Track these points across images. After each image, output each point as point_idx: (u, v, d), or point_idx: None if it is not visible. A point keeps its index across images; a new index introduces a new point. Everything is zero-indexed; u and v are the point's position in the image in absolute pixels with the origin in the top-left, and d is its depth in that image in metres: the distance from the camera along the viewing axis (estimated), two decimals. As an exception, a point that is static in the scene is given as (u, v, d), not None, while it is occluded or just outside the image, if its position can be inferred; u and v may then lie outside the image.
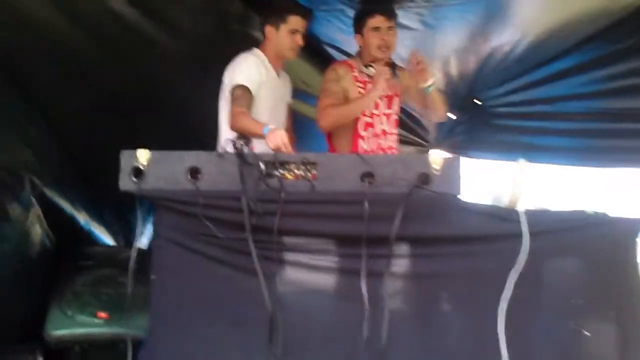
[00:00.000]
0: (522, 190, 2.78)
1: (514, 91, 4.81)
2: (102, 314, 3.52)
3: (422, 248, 2.74)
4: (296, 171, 2.71)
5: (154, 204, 2.77)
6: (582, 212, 2.83)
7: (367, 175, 2.67)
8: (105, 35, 3.56)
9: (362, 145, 3.54)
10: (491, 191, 3.19)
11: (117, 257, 3.82)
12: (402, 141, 5.18)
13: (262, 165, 2.67)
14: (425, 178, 2.67)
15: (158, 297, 2.75)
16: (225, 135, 3.27)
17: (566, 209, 3.01)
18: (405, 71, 3.69)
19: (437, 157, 2.70)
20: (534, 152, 4.72)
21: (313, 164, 2.70)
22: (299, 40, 3.47)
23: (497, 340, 2.61)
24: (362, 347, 2.61)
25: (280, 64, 3.58)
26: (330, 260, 2.74)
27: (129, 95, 3.76)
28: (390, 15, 3.55)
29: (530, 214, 2.70)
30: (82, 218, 4.13)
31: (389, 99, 3.63)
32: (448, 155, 3.95)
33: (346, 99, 3.52)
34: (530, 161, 2.86)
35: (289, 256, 2.72)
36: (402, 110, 5.10)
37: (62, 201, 3.91)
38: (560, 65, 4.47)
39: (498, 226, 2.75)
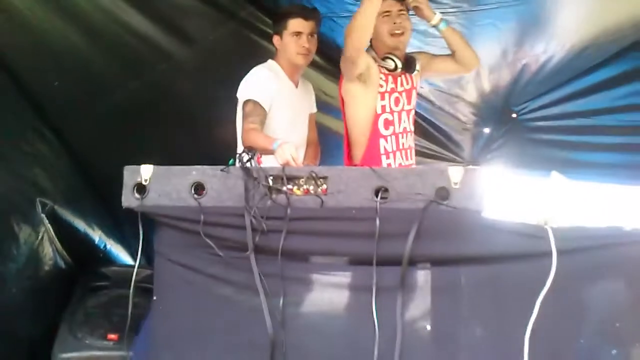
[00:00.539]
0: (554, 206, 2.60)
1: (552, 104, 4.67)
2: (112, 336, 3.43)
3: (441, 268, 2.57)
4: (305, 186, 2.57)
5: (156, 221, 2.65)
6: (619, 229, 2.61)
7: (381, 190, 2.52)
8: (118, 47, 3.52)
9: (384, 145, 3.34)
10: (520, 207, 2.99)
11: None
12: (435, 157, 5.06)
13: (269, 180, 2.56)
14: (443, 193, 2.51)
15: (157, 319, 2.64)
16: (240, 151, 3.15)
17: (600, 225, 2.80)
18: (421, 54, 3.51)
19: (456, 170, 2.54)
20: (572, 167, 4.52)
21: (323, 178, 2.57)
22: (305, 42, 3.33)
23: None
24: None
25: (297, 73, 3.46)
26: (339, 281, 2.60)
27: (143, 108, 3.71)
28: None
29: (560, 230, 2.51)
30: (97, 237, 4.05)
31: (408, 93, 3.43)
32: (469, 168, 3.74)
33: (365, 80, 3.28)
34: (566, 176, 2.70)
35: (295, 276, 2.58)
36: (432, 125, 4.98)
37: (77, 220, 3.85)
38: (600, 76, 4.35)
39: (525, 245, 2.57)
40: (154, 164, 2.59)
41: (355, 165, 3.31)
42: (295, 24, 3.33)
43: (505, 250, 2.57)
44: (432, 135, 5.04)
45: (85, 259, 3.91)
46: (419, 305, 2.55)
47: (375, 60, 3.33)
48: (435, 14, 3.35)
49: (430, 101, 4.77)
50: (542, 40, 4.11)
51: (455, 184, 2.51)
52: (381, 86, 3.34)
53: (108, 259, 4.22)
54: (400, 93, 3.37)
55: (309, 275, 2.60)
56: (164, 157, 2.69)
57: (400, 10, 3.33)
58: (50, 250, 3.60)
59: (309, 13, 3.38)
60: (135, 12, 3.44)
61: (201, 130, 3.86)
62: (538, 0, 3.79)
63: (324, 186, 2.56)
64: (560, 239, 2.49)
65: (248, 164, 2.59)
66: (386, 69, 3.33)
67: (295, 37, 3.33)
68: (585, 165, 4.61)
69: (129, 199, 2.61)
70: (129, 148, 3.54)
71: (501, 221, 2.64)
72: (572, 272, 2.50)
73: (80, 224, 3.91)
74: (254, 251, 2.51)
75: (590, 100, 4.42)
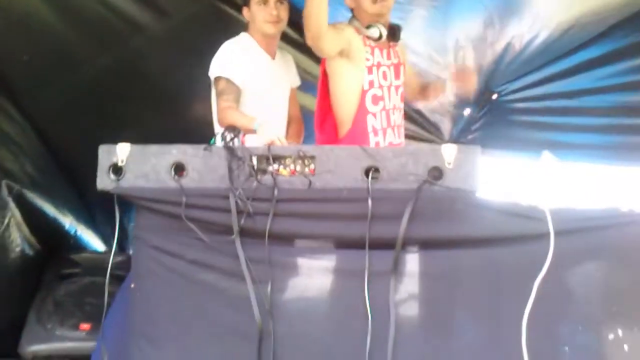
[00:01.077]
0: (547, 187, 2.58)
1: (534, 85, 4.60)
2: (85, 326, 3.36)
3: (434, 251, 2.51)
4: (292, 166, 2.49)
5: (134, 204, 2.55)
6: (616, 210, 2.58)
7: (372, 170, 2.44)
8: (91, 20, 3.38)
9: (373, 122, 3.22)
10: (512, 188, 2.93)
11: (106, 263, 3.62)
12: (415, 138, 4.97)
13: (253, 160, 2.47)
14: (437, 172, 2.44)
15: (135, 306, 2.55)
16: (217, 131, 3.06)
17: (597, 206, 2.74)
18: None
19: (450, 149, 2.47)
20: (554, 149, 4.44)
21: (311, 157, 2.49)
22: (272, 9, 3.19)
23: (520, 354, 2.38)
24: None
25: (272, 44, 3.32)
26: (329, 265, 2.53)
27: (115, 84, 3.57)
28: None
29: (556, 212, 2.46)
30: (68, 222, 3.92)
31: (396, 68, 3.32)
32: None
33: (347, 55, 3.15)
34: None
35: (283, 260, 2.50)
36: (410, 106, 4.89)
37: (45, 204, 3.73)
38: (583, 57, 4.29)
39: (520, 226, 2.51)
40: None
41: (340, 144, 3.19)
42: None
43: (500, 231, 2.52)
44: (410, 115, 4.94)
45: (54, 245, 3.83)
46: (411, 289, 2.49)
47: (359, 31, 3.20)
48: None
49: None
50: (525, 19, 4.05)
51: (449, 163, 2.45)
52: (367, 60, 3.21)
53: (78, 245, 4.12)
54: (388, 67, 3.25)
55: (297, 259, 2.54)
56: (139, 136, 2.58)
57: None
58: (17, 236, 3.50)
59: None
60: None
61: (179, 108, 3.75)
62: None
63: (312, 166, 2.49)
64: (556, 220, 2.44)
65: (231, 144, 2.49)
66: (371, 39, 3.21)
67: (262, 6, 3.20)
68: (567, 147, 4.55)
69: (104, 181, 2.51)
70: (102, 126, 3.44)
71: (496, 202, 2.60)
72: (568, 254, 2.47)
73: (50, 208, 3.81)
74: (240, 235, 2.42)
75: (573, 81, 4.36)
